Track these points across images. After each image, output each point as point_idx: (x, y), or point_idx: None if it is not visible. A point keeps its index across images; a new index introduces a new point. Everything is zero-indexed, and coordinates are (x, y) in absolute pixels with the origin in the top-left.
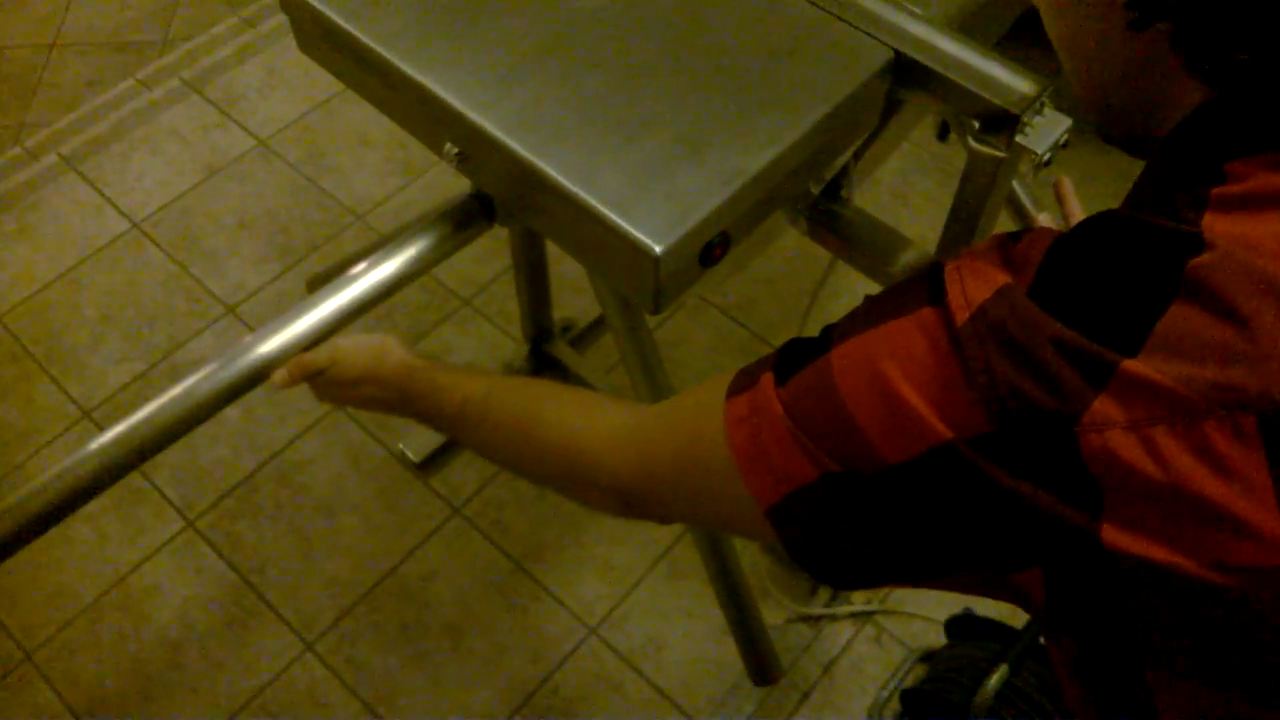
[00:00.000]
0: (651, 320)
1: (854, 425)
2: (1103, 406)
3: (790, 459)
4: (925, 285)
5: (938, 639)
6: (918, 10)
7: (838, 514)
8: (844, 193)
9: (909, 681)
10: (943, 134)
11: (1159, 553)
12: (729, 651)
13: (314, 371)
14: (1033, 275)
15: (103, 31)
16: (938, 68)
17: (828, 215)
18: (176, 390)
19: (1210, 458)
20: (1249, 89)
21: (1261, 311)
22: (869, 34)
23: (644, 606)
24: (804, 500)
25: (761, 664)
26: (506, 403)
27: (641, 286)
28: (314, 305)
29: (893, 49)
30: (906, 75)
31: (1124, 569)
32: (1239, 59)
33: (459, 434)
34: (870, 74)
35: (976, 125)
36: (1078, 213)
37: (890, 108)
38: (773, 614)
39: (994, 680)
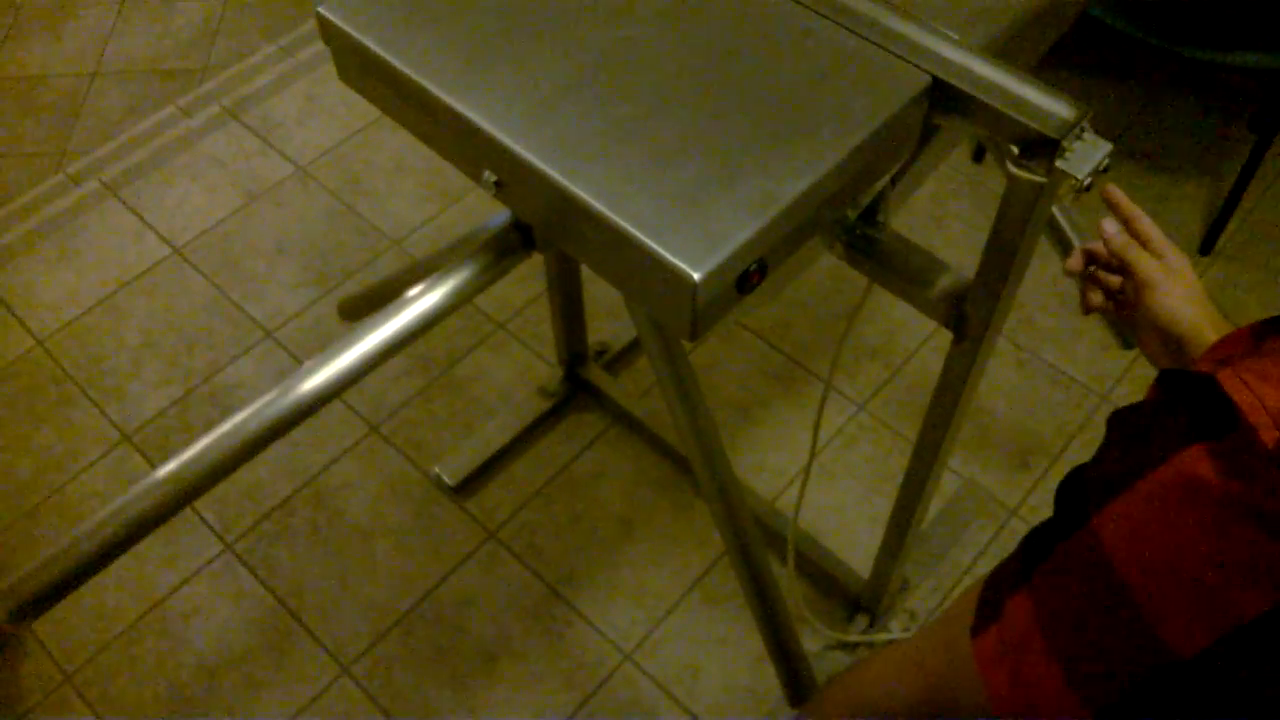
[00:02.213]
0: (687, 345)
1: (1135, 612)
2: None
3: (1060, 697)
4: (1195, 404)
5: None
6: (955, 35)
7: None
8: (880, 217)
9: None
10: (978, 156)
11: None
12: (764, 679)
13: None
14: None
15: (143, 60)
16: (976, 93)
17: (864, 240)
18: (226, 427)
19: None
20: None
21: None
22: (906, 59)
23: (679, 632)
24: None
25: (798, 683)
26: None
27: (679, 314)
28: (359, 338)
29: (930, 74)
30: (944, 101)
31: None
32: None
33: None
34: (907, 100)
35: (1015, 151)
36: (1140, 215)
37: (927, 133)
38: (810, 641)
39: None
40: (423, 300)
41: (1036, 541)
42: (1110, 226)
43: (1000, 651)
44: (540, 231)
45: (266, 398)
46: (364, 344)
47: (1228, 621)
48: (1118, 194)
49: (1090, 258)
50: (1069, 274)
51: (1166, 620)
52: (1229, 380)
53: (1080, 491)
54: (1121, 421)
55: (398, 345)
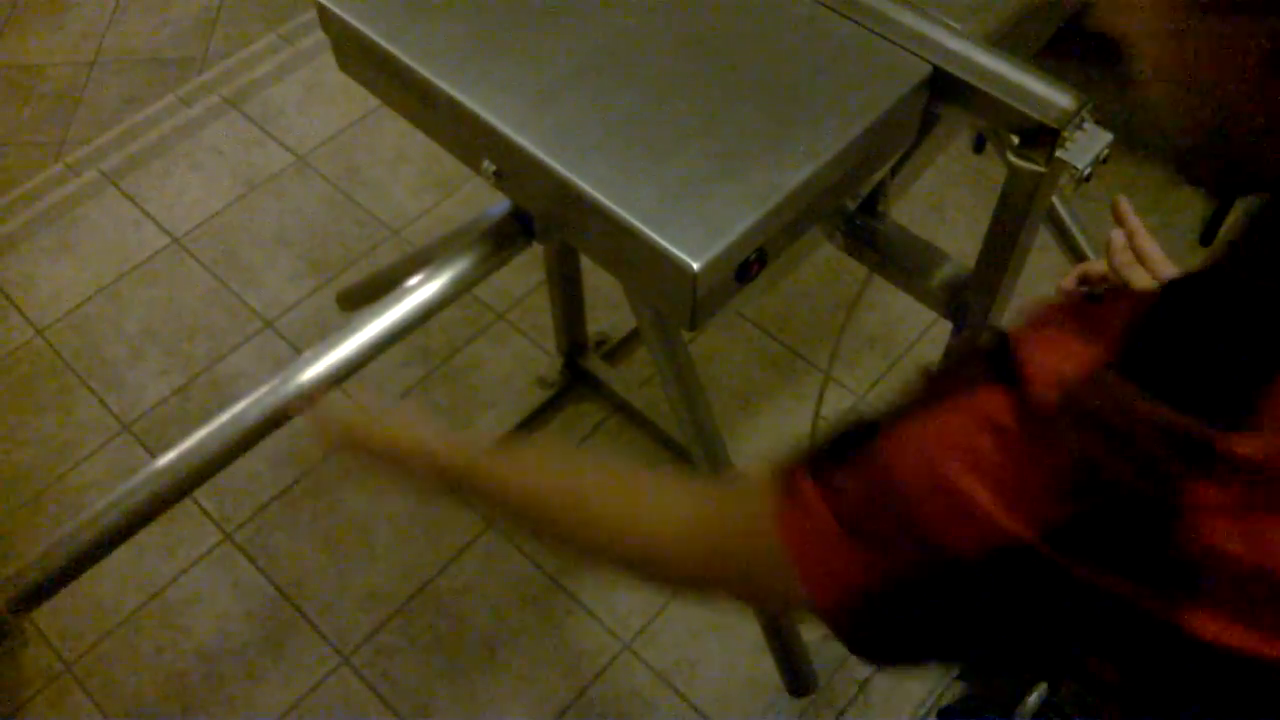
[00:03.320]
0: (686, 334)
1: (912, 521)
2: (1204, 490)
3: (843, 563)
4: (990, 360)
5: None
6: (956, 25)
7: (896, 612)
8: (880, 207)
9: (946, 699)
10: (978, 146)
11: (1251, 641)
12: (763, 668)
13: (350, 436)
14: (1119, 345)
15: (142, 49)
16: (976, 83)
17: (864, 230)
18: (225, 417)
19: None
20: None
21: None
22: (907, 49)
23: (678, 622)
24: (861, 599)
25: (797, 675)
26: (572, 502)
27: (679, 303)
28: (358, 328)
29: (931, 64)
30: (945, 90)
31: (1211, 656)
32: None
33: (513, 520)
34: (908, 89)
35: (1016, 140)
36: (1141, 231)
37: (928, 123)
38: (809, 629)
39: (1033, 698)
40: (422, 290)
41: (840, 441)
42: (1118, 239)
43: (799, 519)
44: (540, 221)
45: (265, 387)
46: (363, 334)
47: (995, 543)
48: (1125, 207)
49: (1085, 278)
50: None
51: (937, 529)
52: (1020, 338)
53: (884, 412)
54: (942, 365)
55: (397, 335)
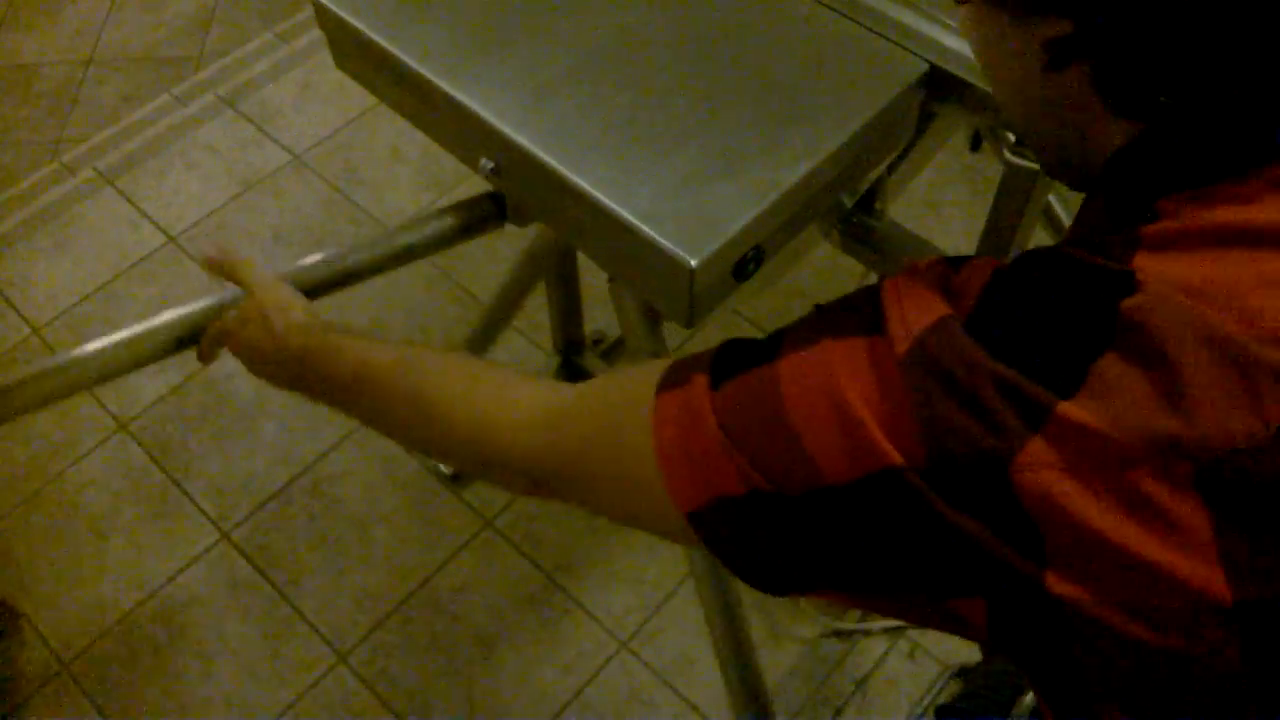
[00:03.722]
0: (682, 332)
1: (796, 441)
2: (1037, 447)
3: (718, 468)
4: (870, 306)
5: (972, 655)
6: (952, 23)
7: (765, 527)
8: (877, 205)
9: (943, 698)
10: (975, 144)
11: (1091, 601)
12: (761, 668)
13: (232, 278)
14: (972, 306)
15: (138, 47)
16: (973, 80)
17: (861, 228)
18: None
19: (1143, 507)
20: (1173, 126)
21: (1192, 357)
22: (903, 47)
23: (676, 621)
24: (729, 510)
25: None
26: (411, 375)
27: (676, 300)
28: (303, 268)
29: (928, 61)
30: (941, 88)
31: (1064, 612)
32: (1160, 100)
33: (353, 402)
34: (905, 87)
35: (1012, 138)
36: None
37: (924, 120)
38: (806, 629)
39: (1030, 696)
40: (380, 246)
41: (733, 354)
42: None
43: (677, 414)
44: (514, 203)
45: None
46: (308, 272)
47: (869, 468)
48: None
49: None
50: None
51: (818, 454)
52: (888, 294)
53: (779, 338)
54: (822, 306)
55: (343, 279)
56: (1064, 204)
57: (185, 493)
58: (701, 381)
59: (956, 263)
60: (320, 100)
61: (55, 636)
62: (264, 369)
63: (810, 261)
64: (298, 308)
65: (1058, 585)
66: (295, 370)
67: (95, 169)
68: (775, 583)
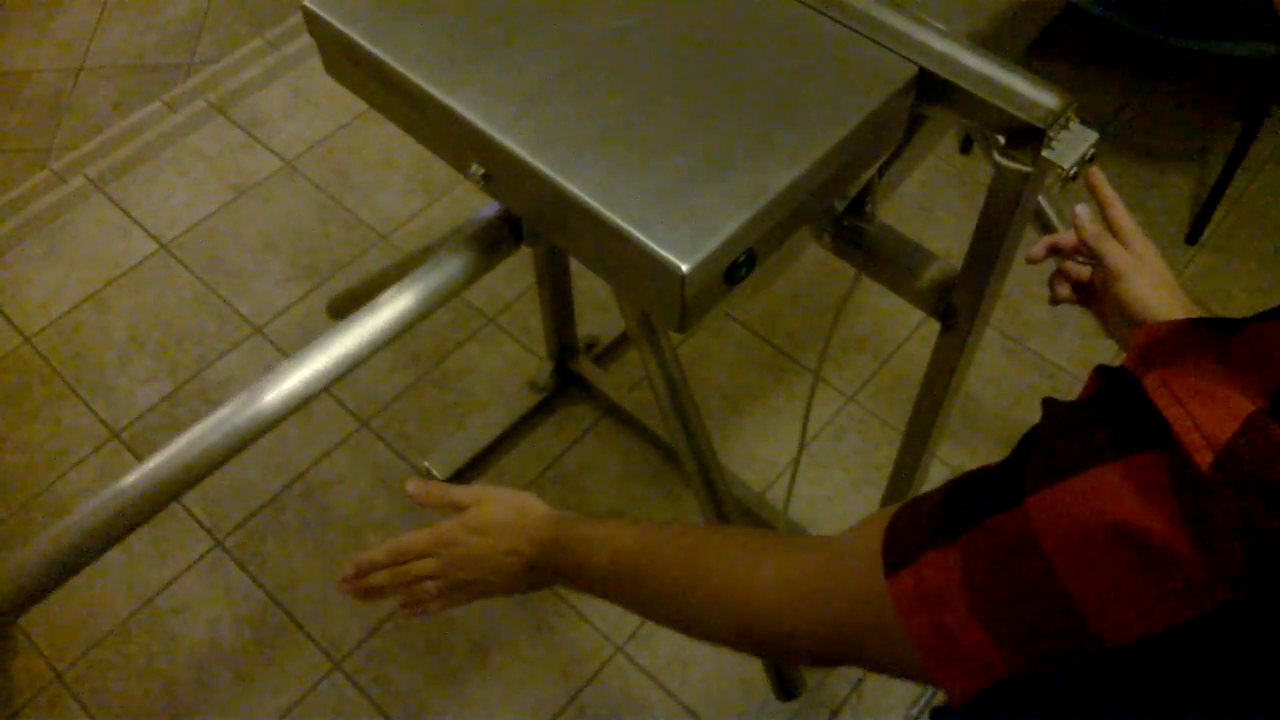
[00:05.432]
0: (675, 336)
1: (1065, 601)
2: None
3: (984, 650)
4: (1133, 411)
5: None
6: (941, 26)
7: (1040, 704)
8: (868, 208)
9: (939, 699)
10: (965, 147)
11: None
12: (755, 669)
13: (453, 503)
14: (1273, 387)
15: (129, 55)
16: (962, 83)
17: (852, 231)
18: (208, 422)
19: None
20: None
21: None
22: (893, 50)
23: None
24: (995, 687)
25: (784, 678)
26: (664, 556)
27: (668, 305)
28: (343, 333)
29: (917, 65)
30: (931, 91)
31: None
32: None
33: (611, 591)
34: (894, 90)
35: (1002, 140)
36: (1116, 201)
37: (915, 124)
38: None
39: None
40: (407, 295)
41: (963, 502)
42: (1083, 213)
43: (919, 599)
44: (528, 224)
45: (248, 392)
46: (348, 338)
47: (1154, 626)
48: (1098, 177)
49: (1054, 248)
50: (1029, 262)
51: (1097, 612)
52: (1158, 392)
53: (1018, 471)
54: (1057, 413)
55: (383, 341)
56: (1054, 205)
57: (178, 501)
58: (939, 559)
59: (1219, 325)
60: (311, 106)
61: (49, 646)
62: (494, 577)
63: (802, 265)
64: (535, 507)
65: None
66: (536, 567)
67: (86, 176)
68: None
